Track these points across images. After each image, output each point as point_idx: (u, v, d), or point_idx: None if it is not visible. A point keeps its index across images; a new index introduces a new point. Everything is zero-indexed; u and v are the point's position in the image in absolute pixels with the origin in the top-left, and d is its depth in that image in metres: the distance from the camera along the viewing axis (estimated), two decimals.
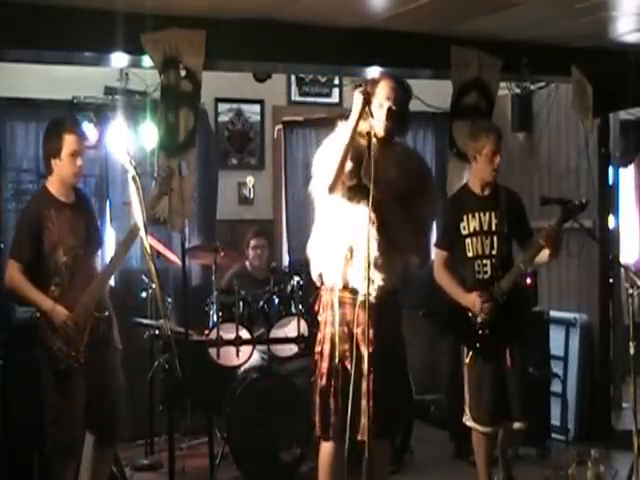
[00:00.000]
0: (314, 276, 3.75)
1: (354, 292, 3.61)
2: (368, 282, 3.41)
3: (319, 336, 3.76)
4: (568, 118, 6.22)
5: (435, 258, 4.53)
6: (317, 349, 3.75)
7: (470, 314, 4.37)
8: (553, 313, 6.02)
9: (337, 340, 3.63)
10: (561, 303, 6.31)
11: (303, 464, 5.10)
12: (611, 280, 6.10)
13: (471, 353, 4.42)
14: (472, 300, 4.33)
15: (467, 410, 4.48)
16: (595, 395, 6.11)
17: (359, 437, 3.55)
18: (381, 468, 3.78)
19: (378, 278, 3.55)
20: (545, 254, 4.31)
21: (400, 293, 3.75)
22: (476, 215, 4.43)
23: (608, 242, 5.90)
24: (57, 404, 3.96)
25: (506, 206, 4.42)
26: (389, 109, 3.60)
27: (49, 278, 3.97)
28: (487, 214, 4.42)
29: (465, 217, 4.43)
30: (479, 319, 4.34)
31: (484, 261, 4.40)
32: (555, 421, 5.93)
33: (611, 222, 6.07)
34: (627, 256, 7.53)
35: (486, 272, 4.39)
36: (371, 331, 3.52)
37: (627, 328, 3.68)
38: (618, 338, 6.08)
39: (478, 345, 4.38)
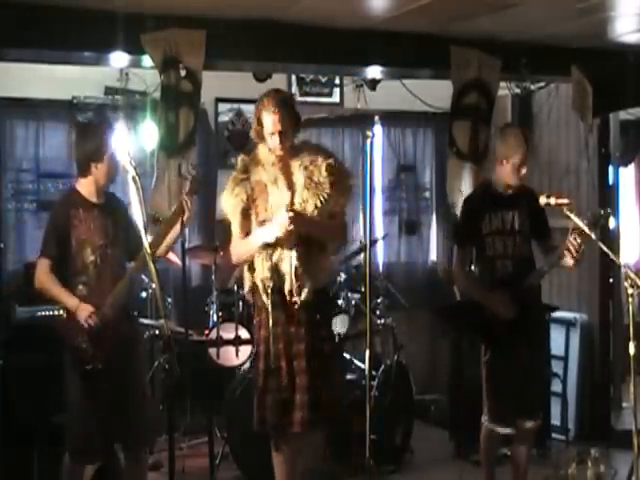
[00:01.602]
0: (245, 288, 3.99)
1: (282, 294, 3.84)
2: (369, 292, 3.45)
3: (256, 337, 4.03)
4: (568, 118, 6.22)
5: (455, 256, 4.49)
6: (255, 350, 4.04)
7: (488, 313, 4.34)
8: (553, 313, 6.02)
9: (271, 341, 3.85)
10: (561, 303, 6.30)
11: None
12: (611, 280, 6.11)
13: (488, 352, 4.40)
14: (495, 300, 4.30)
15: (485, 410, 4.47)
16: (595, 395, 6.11)
17: (294, 429, 3.83)
18: (311, 460, 4.07)
19: (303, 284, 3.80)
20: (569, 261, 4.20)
21: (328, 289, 4.10)
22: (498, 214, 4.37)
23: (608, 242, 5.90)
24: (79, 405, 3.95)
25: (527, 205, 4.35)
26: (279, 133, 3.80)
27: (76, 277, 3.96)
28: (510, 213, 4.38)
29: (487, 215, 4.38)
30: (497, 317, 4.32)
31: (505, 261, 4.36)
32: (555, 421, 5.94)
33: (611, 222, 6.07)
34: (627, 256, 7.53)
35: (507, 272, 4.36)
36: (302, 329, 3.83)
37: (627, 328, 3.67)
38: (618, 338, 6.08)
39: (495, 344, 4.37)
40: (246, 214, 3.88)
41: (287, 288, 3.83)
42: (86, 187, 4.03)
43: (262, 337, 3.92)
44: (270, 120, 3.81)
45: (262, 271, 3.86)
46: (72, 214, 3.97)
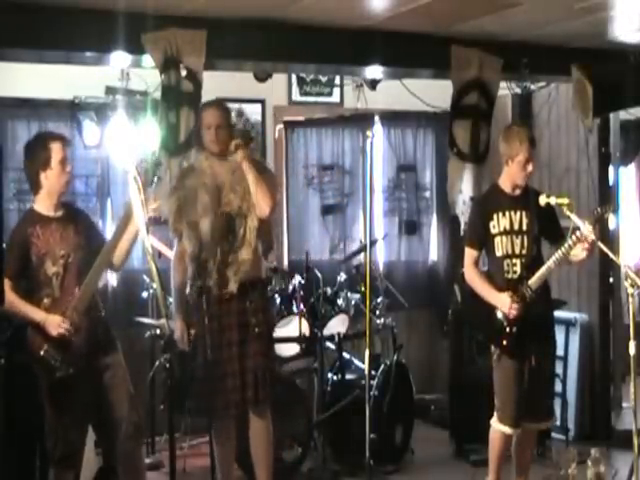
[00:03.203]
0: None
1: (213, 291, 4.22)
2: (369, 292, 3.54)
3: (192, 332, 4.38)
4: (568, 118, 6.22)
5: (465, 257, 4.50)
6: (195, 346, 4.36)
7: (498, 312, 4.36)
8: (554, 313, 6.03)
9: (205, 334, 4.21)
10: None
11: (304, 463, 5.12)
12: (611, 280, 6.11)
13: (498, 351, 4.40)
14: (503, 300, 4.32)
15: (494, 410, 4.46)
16: (595, 395, 6.12)
17: (231, 412, 4.29)
18: (262, 445, 4.40)
19: (232, 275, 4.20)
20: (581, 252, 4.22)
21: (260, 279, 4.39)
22: (506, 214, 4.39)
23: (608, 242, 5.91)
24: (54, 416, 3.94)
25: (536, 206, 4.33)
26: (215, 127, 4.23)
27: (40, 290, 3.97)
28: (518, 213, 4.39)
29: (495, 215, 4.40)
30: (506, 315, 4.33)
31: (514, 260, 4.37)
32: (555, 421, 5.94)
33: (611, 222, 6.07)
34: (627, 256, 7.53)
35: (515, 272, 4.36)
36: (235, 319, 4.22)
37: (627, 328, 3.67)
38: (618, 338, 6.08)
39: (505, 342, 4.37)
40: (178, 218, 4.29)
41: (215, 281, 4.20)
42: (42, 203, 4.03)
43: (197, 332, 4.30)
44: (209, 114, 4.28)
45: (190, 269, 4.27)
46: (29, 232, 3.96)
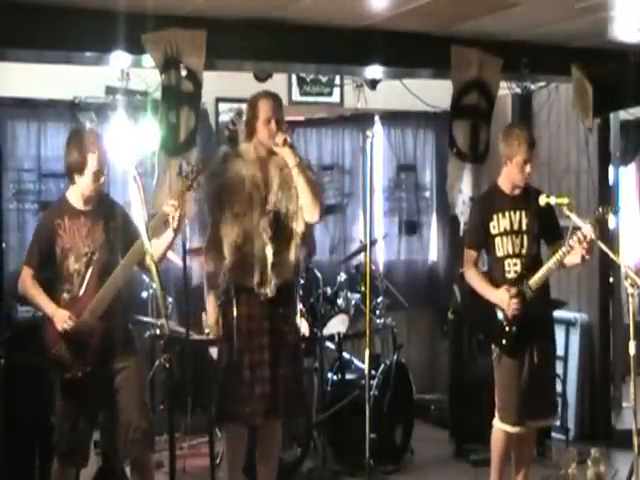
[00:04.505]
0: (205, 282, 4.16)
1: (249, 291, 3.99)
2: (369, 292, 3.46)
3: (221, 332, 4.15)
4: (568, 118, 6.22)
5: (465, 258, 4.51)
6: (219, 347, 4.19)
7: (498, 311, 4.37)
8: (553, 313, 6.03)
9: (235, 336, 4.00)
10: None
11: (304, 463, 5.12)
12: (611, 280, 6.11)
13: (498, 351, 4.41)
14: (500, 296, 4.33)
15: (496, 410, 4.47)
16: (595, 395, 6.12)
17: (256, 421, 4.06)
18: (272, 449, 4.29)
19: (274, 277, 3.97)
20: (577, 257, 4.22)
21: (294, 284, 4.23)
22: (506, 214, 4.40)
23: (608, 242, 5.90)
24: (61, 412, 3.94)
25: (537, 206, 4.32)
26: (275, 120, 4.00)
27: (61, 285, 3.93)
28: (517, 213, 4.40)
29: (495, 216, 4.41)
30: (505, 315, 4.34)
31: (514, 260, 4.38)
32: (555, 420, 5.94)
33: (611, 221, 6.07)
34: (627, 256, 7.53)
35: (516, 271, 4.37)
36: (267, 323, 4.00)
37: (627, 328, 3.67)
38: (618, 338, 6.08)
39: (505, 342, 4.38)
40: (218, 203, 4.03)
41: (255, 281, 3.97)
42: (73, 194, 3.98)
43: (226, 332, 4.07)
44: (268, 106, 4.04)
45: (227, 261, 4.00)
46: (57, 224, 3.91)
